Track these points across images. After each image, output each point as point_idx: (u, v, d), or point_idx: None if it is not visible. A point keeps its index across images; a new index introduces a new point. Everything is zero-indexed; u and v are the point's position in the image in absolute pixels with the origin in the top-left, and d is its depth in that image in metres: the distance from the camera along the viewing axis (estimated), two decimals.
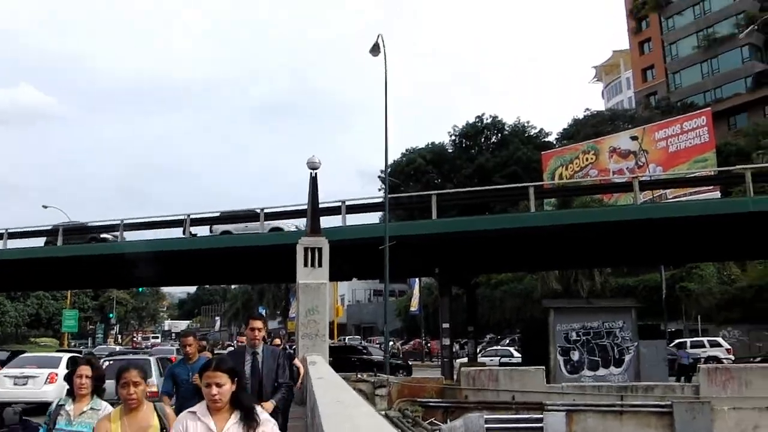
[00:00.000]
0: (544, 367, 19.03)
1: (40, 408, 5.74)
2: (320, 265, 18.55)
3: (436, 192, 24.56)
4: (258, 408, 4.04)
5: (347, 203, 24.40)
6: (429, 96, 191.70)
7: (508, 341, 51.03)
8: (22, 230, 30.91)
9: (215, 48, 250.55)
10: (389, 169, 62.78)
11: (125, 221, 27.94)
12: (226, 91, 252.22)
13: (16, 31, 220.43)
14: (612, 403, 17.60)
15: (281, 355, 7.47)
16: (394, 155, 70.40)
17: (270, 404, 6.76)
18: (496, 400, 17.89)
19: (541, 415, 17.40)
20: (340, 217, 24.33)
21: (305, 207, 21.45)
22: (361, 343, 46.76)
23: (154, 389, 18.71)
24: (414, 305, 53.66)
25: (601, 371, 21.77)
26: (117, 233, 27.76)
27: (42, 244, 29.95)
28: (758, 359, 27.27)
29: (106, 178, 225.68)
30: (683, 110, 56.93)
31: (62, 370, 17.32)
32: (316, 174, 19.84)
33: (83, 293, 76.65)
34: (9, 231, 30.16)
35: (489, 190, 26.09)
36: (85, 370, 5.05)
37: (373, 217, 33.87)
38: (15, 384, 17.25)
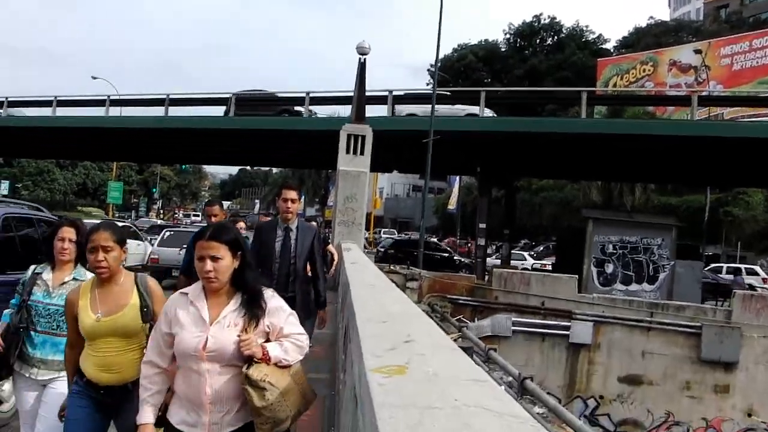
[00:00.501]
0: (577, 276, 18.90)
1: None
2: (362, 153, 18.36)
3: (485, 89, 23.94)
4: (268, 292, 3.09)
5: (394, 93, 23.91)
6: None
7: (542, 248, 51.13)
8: (75, 98, 31.08)
9: None
10: (438, 64, 61.59)
11: (171, 96, 27.84)
12: None
13: None
14: (641, 318, 17.48)
15: (317, 235, 6.39)
16: (445, 50, 68.65)
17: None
18: (526, 304, 17.89)
19: (568, 323, 17.41)
20: (384, 108, 23.93)
21: (351, 94, 21.06)
22: (430, 237, 46.17)
23: (155, 256, 18.95)
24: (452, 203, 53.54)
25: (634, 286, 21.61)
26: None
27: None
28: None
29: (150, 53, 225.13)
30: (754, 27, 54.03)
31: None
32: (365, 60, 19.35)
33: (129, 166, 78.02)
34: (58, 98, 30.36)
35: (539, 91, 25.23)
36: (68, 232, 4.12)
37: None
38: None
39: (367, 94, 20.71)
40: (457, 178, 53.46)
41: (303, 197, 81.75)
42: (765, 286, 30.87)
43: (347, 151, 18.52)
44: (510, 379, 9.54)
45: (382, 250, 32.05)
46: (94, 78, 44.70)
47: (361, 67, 19.28)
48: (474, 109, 23.14)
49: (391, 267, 19.95)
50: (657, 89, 47.66)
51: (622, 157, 23.95)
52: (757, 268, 33.92)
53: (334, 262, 8.74)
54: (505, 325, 17.57)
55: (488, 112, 23.06)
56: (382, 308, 3.64)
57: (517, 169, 26.55)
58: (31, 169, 68.14)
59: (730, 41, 49.06)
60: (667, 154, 22.65)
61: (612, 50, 66.96)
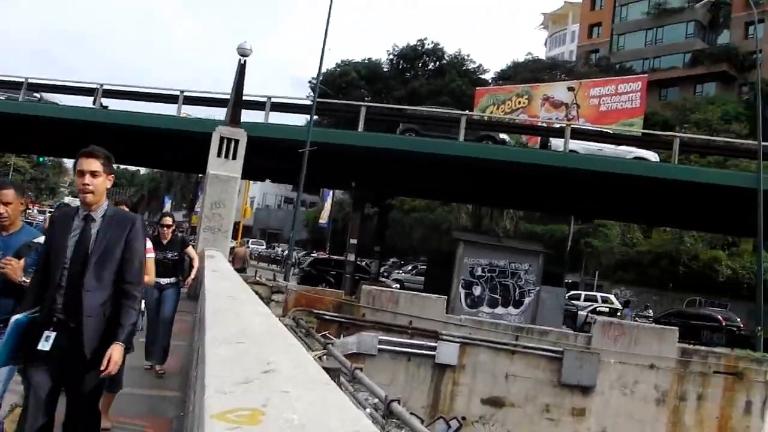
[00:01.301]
0: (445, 297, 18.84)
1: None
2: (234, 157, 17.53)
3: (366, 104, 23.66)
4: None
5: (273, 100, 23.16)
6: (372, 10, 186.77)
7: (410, 267, 51.52)
8: None
9: None
10: (321, 77, 61.24)
11: (29, 80, 25.73)
12: None
13: None
14: (506, 342, 17.62)
15: (133, 229, 3.84)
16: (328, 65, 68.40)
17: (118, 348, 3.59)
18: (393, 323, 17.60)
19: (435, 344, 17.26)
20: (261, 114, 23.13)
21: (228, 96, 20.17)
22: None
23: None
24: (323, 218, 53.10)
25: (500, 309, 21.87)
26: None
27: None
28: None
29: (16, 38, 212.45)
30: (620, 73, 57.26)
31: None
32: (245, 62, 18.58)
33: None
34: None
35: (420, 111, 25.27)
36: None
37: (297, 123, 32.67)
38: None
39: (245, 98, 19.91)
40: (330, 192, 53.17)
41: (171, 201, 78.82)
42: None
43: (219, 155, 17.63)
44: (376, 401, 9.07)
45: (305, 269, 29.77)
46: None
47: (241, 69, 18.49)
48: (643, 153, 22.88)
49: (257, 278, 19.14)
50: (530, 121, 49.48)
51: (494, 183, 24.32)
52: (612, 297, 35.57)
53: (193, 269, 8.57)
54: (371, 343, 17.20)
55: (652, 156, 22.87)
56: (240, 325, 3.05)
57: (391, 186, 26.43)
58: None
59: (599, 83, 51.72)
60: (537, 183, 23.21)
61: (490, 81, 69.03)
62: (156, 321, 7.94)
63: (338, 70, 68.87)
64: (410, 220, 53.72)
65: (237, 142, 17.32)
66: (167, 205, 79.44)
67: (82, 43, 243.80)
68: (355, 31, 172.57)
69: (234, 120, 17.95)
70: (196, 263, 8.59)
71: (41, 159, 79.84)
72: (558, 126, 25.36)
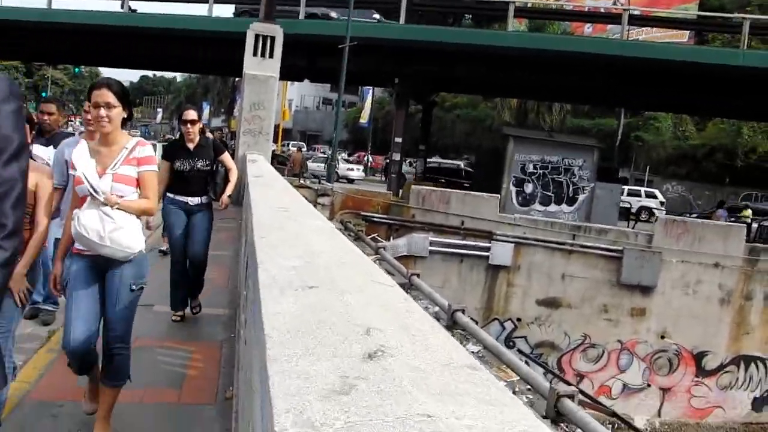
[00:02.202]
0: (499, 196, 18.05)
1: None
2: (271, 56, 16.55)
3: None
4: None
5: None
6: None
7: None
8: None
9: None
10: None
11: None
12: None
13: None
14: (562, 241, 16.85)
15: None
16: None
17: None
18: (445, 223, 16.92)
19: (488, 244, 16.61)
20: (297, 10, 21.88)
21: None
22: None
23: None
24: (364, 117, 51.92)
25: (552, 207, 21.02)
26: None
27: None
28: (694, 215, 27.01)
29: None
30: None
31: None
32: None
33: (14, 68, 71.87)
34: None
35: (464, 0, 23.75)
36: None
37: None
38: None
39: None
40: (370, 91, 51.78)
41: (209, 107, 78.20)
42: (662, 209, 31.25)
43: (255, 54, 16.65)
44: (437, 309, 8.47)
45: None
46: None
47: None
48: None
49: (301, 181, 18.51)
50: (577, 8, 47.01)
51: (544, 75, 22.97)
52: (656, 191, 34.34)
53: (230, 184, 6.44)
54: (422, 244, 16.62)
55: None
56: (303, 247, 2.33)
57: (436, 82, 25.19)
58: None
59: None
60: (589, 74, 21.86)
61: None
62: (182, 258, 6.35)
63: None
64: (452, 117, 52.33)
65: (273, 39, 16.30)
66: (205, 111, 78.97)
67: None
68: None
69: (268, 16, 16.88)
70: (233, 176, 6.45)
71: (76, 70, 79.34)
72: (614, 11, 23.51)
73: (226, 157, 6.56)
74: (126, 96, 3.64)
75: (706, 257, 16.82)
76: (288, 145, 54.99)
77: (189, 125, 6.34)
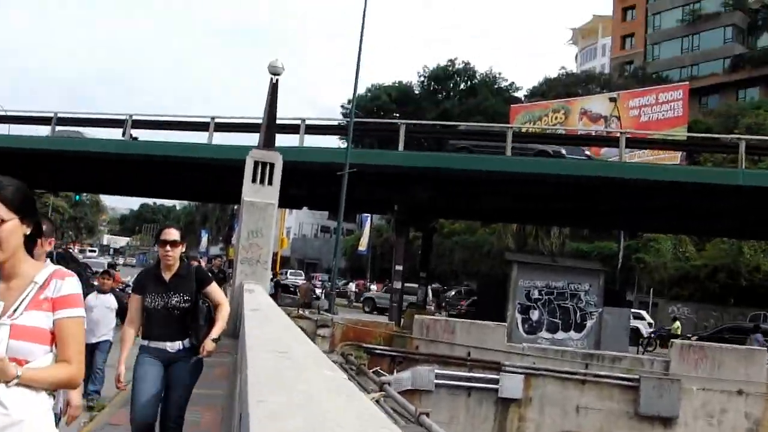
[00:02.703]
0: (506, 324, 17.35)
1: None
2: (270, 183, 16.28)
3: (404, 121, 22.41)
4: None
5: (307, 122, 22.04)
6: (401, 33, 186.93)
7: (453, 293, 50.00)
8: None
9: None
10: (356, 94, 60.38)
11: (59, 114, 25.01)
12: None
13: None
14: (575, 370, 16.01)
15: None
16: (358, 90, 67.56)
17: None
18: (450, 355, 16.15)
19: (497, 376, 15.75)
20: (294, 138, 21.98)
21: (260, 121, 19.07)
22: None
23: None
24: (363, 245, 51.87)
25: (560, 335, 20.25)
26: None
27: None
28: (696, 337, 26.16)
29: (51, 77, 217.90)
30: (657, 83, 55.67)
31: None
32: (277, 81, 17.42)
33: None
34: None
35: (459, 125, 23.94)
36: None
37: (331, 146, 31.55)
38: None
39: (278, 121, 18.78)
40: (369, 218, 52.00)
41: (207, 235, 78.36)
42: (650, 330, 30.38)
43: (254, 180, 16.40)
44: None
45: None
46: None
47: (273, 89, 17.33)
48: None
49: (300, 312, 17.83)
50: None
51: (546, 199, 22.90)
52: (643, 313, 33.63)
53: (218, 323, 5.12)
54: (428, 377, 15.77)
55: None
56: (314, 419, 1.73)
57: (435, 209, 25.03)
58: None
59: (637, 94, 50.74)
60: (589, 197, 21.76)
61: (523, 98, 67.68)
62: (150, 414, 4.90)
63: (369, 94, 68.06)
64: (450, 243, 52.30)
65: (272, 166, 16.10)
66: (203, 239, 79.11)
67: (111, 82, 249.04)
68: (385, 55, 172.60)
69: (268, 143, 16.79)
70: (222, 313, 5.17)
71: (77, 197, 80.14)
72: (609, 135, 23.69)
73: (213, 288, 5.25)
74: (26, 204, 2.39)
75: (728, 384, 15.98)
76: (286, 273, 54.48)
77: (168, 247, 5.03)
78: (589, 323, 20.32)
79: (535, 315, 20.44)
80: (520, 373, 15.84)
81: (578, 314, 20.43)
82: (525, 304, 20.48)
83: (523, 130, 26.43)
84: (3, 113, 28.27)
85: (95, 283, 12.78)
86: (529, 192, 21.78)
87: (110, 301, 10.43)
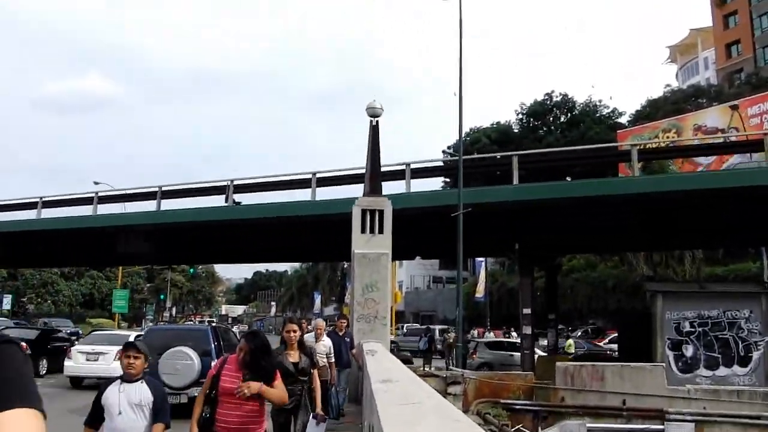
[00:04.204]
0: (663, 364, 15.16)
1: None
2: (381, 231, 15.02)
3: (517, 153, 20.80)
4: None
5: (412, 166, 20.82)
6: (494, 75, 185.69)
7: (579, 333, 47.19)
8: (61, 198, 28.30)
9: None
10: (450, 149, 59.15)
11: (164, 188, 24.94)
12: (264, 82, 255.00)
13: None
14: (757, 413, 13.63)
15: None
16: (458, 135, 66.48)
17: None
18: (602, 405, 14.13)
19: (661, 426, 13.60)
20: (399, 186, 20.80)
21: (362, 171, 18.02)
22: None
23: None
24: (480, 291, 49.88)
25: (722, 371, 17.75)
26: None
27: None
28: None
29: (156, 163, 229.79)
30: None
31: None
32: (377, 122, 16.33)
33: (137, 274, 75.35)
34: (43, 199, 27.60)
35: (579, 150, 22.09)
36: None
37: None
38: (87, 360, 18.34)
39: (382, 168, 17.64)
40: (483, 263, 50.12)
41: (319, 296, 78.19)
42: None
43: (363, 231, 15.19)
44: None
45: None
46: (96, 183, 42.29)
47: (374, 131, 16.25)
48: None
49: (425, 369, 16.24)
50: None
51: (677, 221, 20.62)
52: None
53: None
54: None
55: None
56: None
57: (559, 244, 23.11)
58: (34, 281, 65.57)
59: (756, 101, 47.42)
60: (730, 211, 19.34)
61: (626, 123, 64.62)
62: None
63: (468, 138, 66.75)
64: (570, 281, 49.61)
65: (381, 213, 14.89)
66: (317, 301, 79.03)
67: (212, 162, 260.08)
68: (480, 97, 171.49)
69: (374, 189, 15.62)
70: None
71: (191, 270, 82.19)
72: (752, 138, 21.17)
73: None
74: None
75: None
76: (403, 327, 53.07)
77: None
78: (755, 355, 17.74)
79: (689, 351, 18.05)
80: (690, 421, 13.60)
81: (740, 345, 17.91)
82: (675, 339, 18.16)
83: (651, 145, 24.18)
84: (115, 192, 28.71)
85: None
86: (659, 214, 19.63)
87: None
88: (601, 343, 35.30)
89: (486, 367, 24.58)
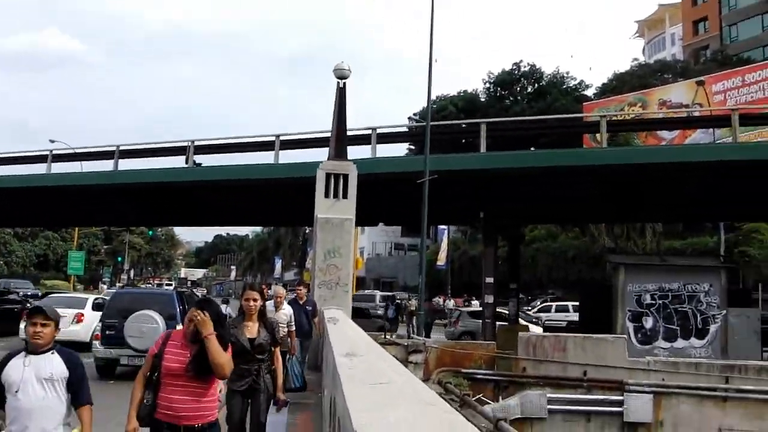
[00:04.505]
0: (625, 336, 15.18)
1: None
2: (345, 196, 14.67)
3: (486, 120, 20.51)
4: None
5: (378, 131, 20.39)
6: (462, 44, 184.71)
7: (539, 303, 47.59)
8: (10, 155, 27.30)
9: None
10: (416, 116, 58.68)
11: (121, 147, 24.13)
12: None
13: None
14: (714, 385, 13.71)
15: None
16: (423, 103, 66.07)
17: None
18: (563, 375, 14.09)
19: (621, 397, 13.62)
20: (363, 151, 20.37)
21: (328, 135, 17.55)
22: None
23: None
24: (441, 259, 49.89)
25: (680, 342, 17.94)
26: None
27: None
28: None
29: (118, 128, 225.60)
30: (739, 64, 52.20)
31: (88, 311, 19.57)
32: (344, 84, 15.88)
33: (94, 235, 73.85)
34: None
35: (548, 119, 21.86)
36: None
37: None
38: None
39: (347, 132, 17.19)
40: (446, 231, 50.08)
41: (280, 261, 77.72)
42: None
43: (327, 195, 14.83)
44: None
45: None
46: (53, 141, 40.86)
47: (340, 93, 15.79)
48: None
49: (386, 336, 16.04)
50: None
51: (642, 194, 20.60)
52: None
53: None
54: (539, 403, 13.76)
55: None
56: None
57: (524, 214, 22.97)
58: None
59: (720, 77, 47.87)
60: (697, 184, 19.37)
61: (592, 96, 64.80)
62: None
63: (435, 106, 66.28)
64: (531, 251, 49.84)
65: (346, 177, 14.53)
66: (277, 266, 78.61)
67: (179, 122, 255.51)
68: (447, 65, 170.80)
69: (339, 153, 15.22)
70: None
71: (150, 232, 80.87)
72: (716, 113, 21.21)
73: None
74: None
75: None
76: (376, 295, 53.10)
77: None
78: (712, 328, 17.95)
79: (649, 322, 18.18)
80: (648, 393, 13.63)
81: (699, 318, 18.09)
82: (636, 310, 18.27)
83: (618, 117, 24.12)
84: (70, 151, 27.77)
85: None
86: (626, 185, 19.56)
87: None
88: (531, 312, 35.66)
89: (468, 336, 24.61)
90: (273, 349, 6.30)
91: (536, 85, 68.91)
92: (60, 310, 15.95)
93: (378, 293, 49.62)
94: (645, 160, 18.46)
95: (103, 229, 68.52)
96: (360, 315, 27.53)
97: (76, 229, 57.83)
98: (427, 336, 23.86)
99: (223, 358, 4.43)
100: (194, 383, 4.45)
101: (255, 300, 6.26)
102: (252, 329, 6.15)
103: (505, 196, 20.00)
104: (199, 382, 4.47)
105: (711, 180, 18.68)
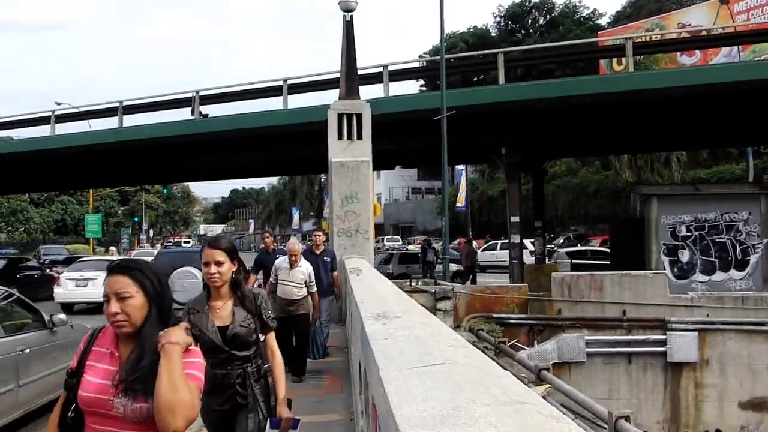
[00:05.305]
0: (665, 272, 14.33)
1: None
2: (359, 137, 13.72)
3: (503, 50, 19.34)
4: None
5: (390, 68, 19.32)
6: None
7: (562, 240, 46.75)
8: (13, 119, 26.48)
9: None
10: (427, 54, 57.05)
11: (125, 102, 23.26)
12: None
13: None
14: (762, 320, 12.88)
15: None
16: (432, 41, 64.39)
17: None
18: (601, 317, 13.31)
19: (663, 336, 12.84)
20: (375, 90, 19.33)
21: (337, 75, 16.52)
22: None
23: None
24: (460, 201, 48.90)
25: (719, 275, 17.05)
26: None
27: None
28: None
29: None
30: None
31: None
32: (351, 18, 14.79)
33: (110, 197, 73.50)
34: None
35: (571, 44, 20.60)
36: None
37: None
38: (77, 286, 18.71)
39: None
40: (463, 172, 49.03)
41: (297, 211, 77.12)
42: None
43: (340, 137, 13.88)
44: None
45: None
46: (59, 104, 39.97)
47: (348, 27, 14.70)
48: None
49: (412, 284, 15.25)
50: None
51: (670, 120, 19.51)
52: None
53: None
54: (576, 346, 13.03)
55: None
56: None
57: (547, 147, 21.92)
58: (2, 209, 63.57)
59: None
60: (718, 109, 18.26)
61: (607, 26, 62.68)
62: None
63: (444, 44, 64.56)
64: (551, 188, 48.84)
65: (360, 117, 13.60)
66: (295, 216, 78.04)
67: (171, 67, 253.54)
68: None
69: (350, 92, 14.23)
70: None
71: (165, 190, 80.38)
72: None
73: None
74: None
75: None
76: (383, 240, 52.38)
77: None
78: (752, 258, 17.02)
79: (685, 256, 17.27)
80: (693, 330, 12.85)
81: (738, 249, 17.15)
82: (671, 244, 17.34)
83: (642, 39, 22.85)
84: (74, 110, 26.91)
85: None
86: (649, 113, 18.44)
87: None
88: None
89: None
90: (263, 337, 3.87)
91: (548, 16, 67.03)
92: (91, 273, 17.01)
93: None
94: (677, 83, 17.30)
95: (118, 190, 68.01)
96: (411, 260, 26.95)
97: (91, 191, 57.30)
98: (473, 283, 23.14)
99: (177, 394, 2.20)
100: (132, 427, 2.29)
101: (218, 264, 3.68)
102: (222, 313, 3.74)
103: (527, 129, 18.98)
104: (140, 426, 2.28)
105: (741, 102, 17.57)
